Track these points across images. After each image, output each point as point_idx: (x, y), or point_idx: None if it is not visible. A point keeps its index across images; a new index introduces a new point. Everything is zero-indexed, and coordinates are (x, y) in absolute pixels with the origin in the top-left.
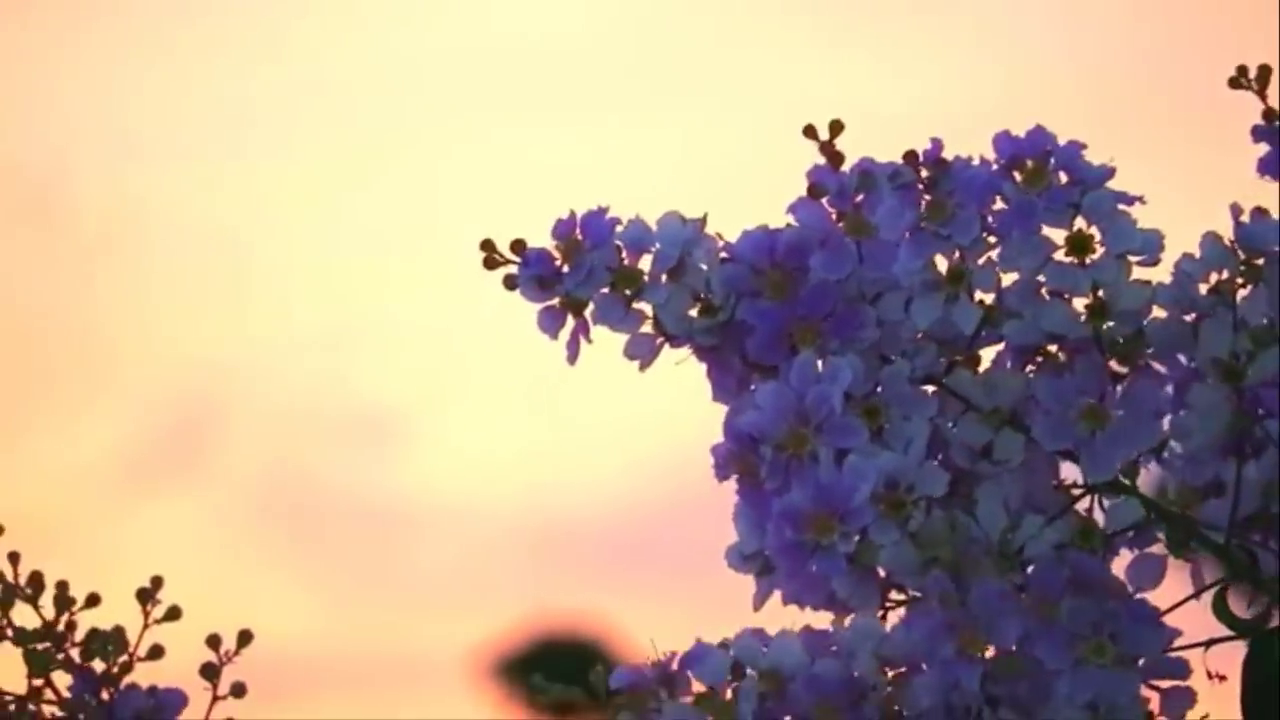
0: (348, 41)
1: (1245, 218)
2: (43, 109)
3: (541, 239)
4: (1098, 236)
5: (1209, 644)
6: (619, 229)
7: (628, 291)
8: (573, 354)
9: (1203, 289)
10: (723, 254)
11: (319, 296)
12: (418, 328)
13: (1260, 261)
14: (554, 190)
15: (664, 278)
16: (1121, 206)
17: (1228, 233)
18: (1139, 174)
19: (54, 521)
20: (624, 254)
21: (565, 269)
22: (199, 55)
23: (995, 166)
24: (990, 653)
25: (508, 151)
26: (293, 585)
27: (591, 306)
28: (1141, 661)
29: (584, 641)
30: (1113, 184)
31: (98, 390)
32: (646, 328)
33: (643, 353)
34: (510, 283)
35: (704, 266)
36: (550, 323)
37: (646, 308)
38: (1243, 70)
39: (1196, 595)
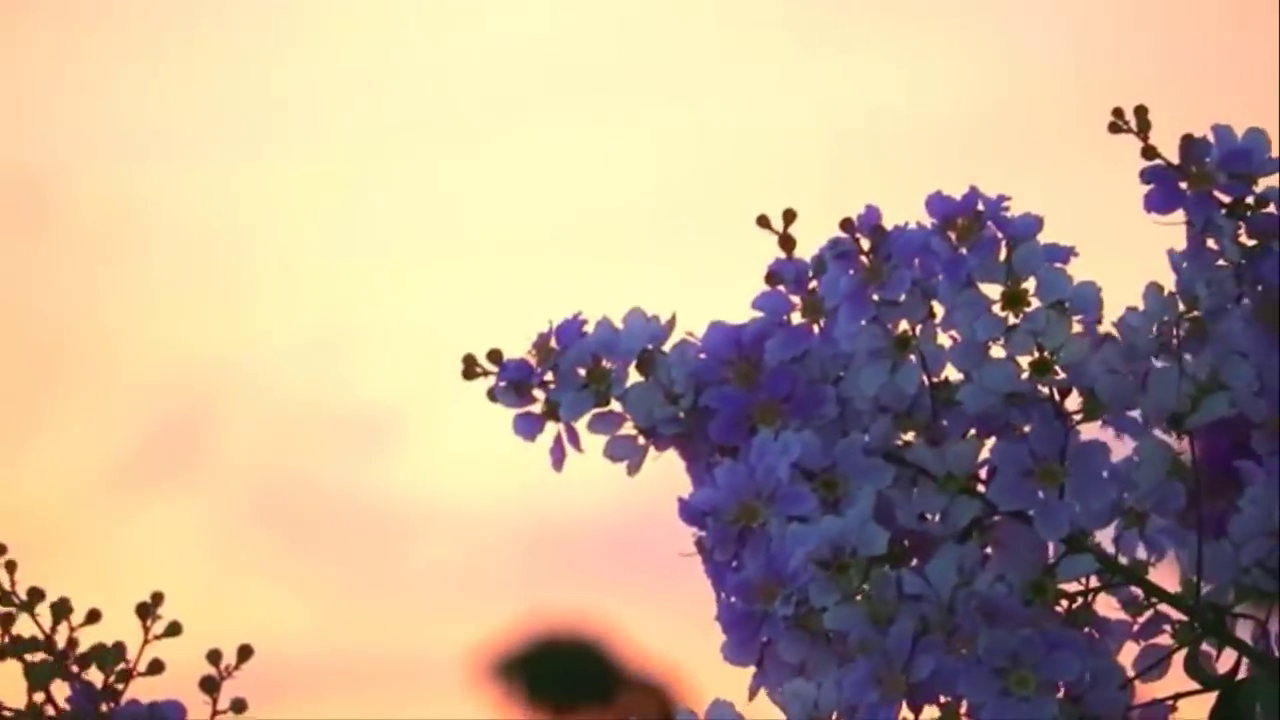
0: (345, 43)
1: (1185, 265)
2: (40, 109)
3: (544, 244)
4: (1032, 290)
5: (1177, 698)
6: (587, 332)
7: (599, 390)
8: (557, 460)
9: (1149, 340)
10: (693, 349)
11: (316, 298)
12: (416, 328)
13: (1199, 310)
14: (554, 191)
15: (631, 374)
16: (1053, 261)
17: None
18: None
19: (51, 522)
20: (598, 357)
21: (540, 373)
22: (196, 56)
23: (931, 227)
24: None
25: (507, 152)
26: (291, 586)
27: (562, 406)
28: (1086, 695)
29: (584, 641)
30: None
31: (94, 391)
32: (627, 429)
33: (623, 453)
34: (490, 394)
35: (672, 363)
36: (526, 427)
37: (622, 408)
38: (1119, 113)
39: (1170, 654)
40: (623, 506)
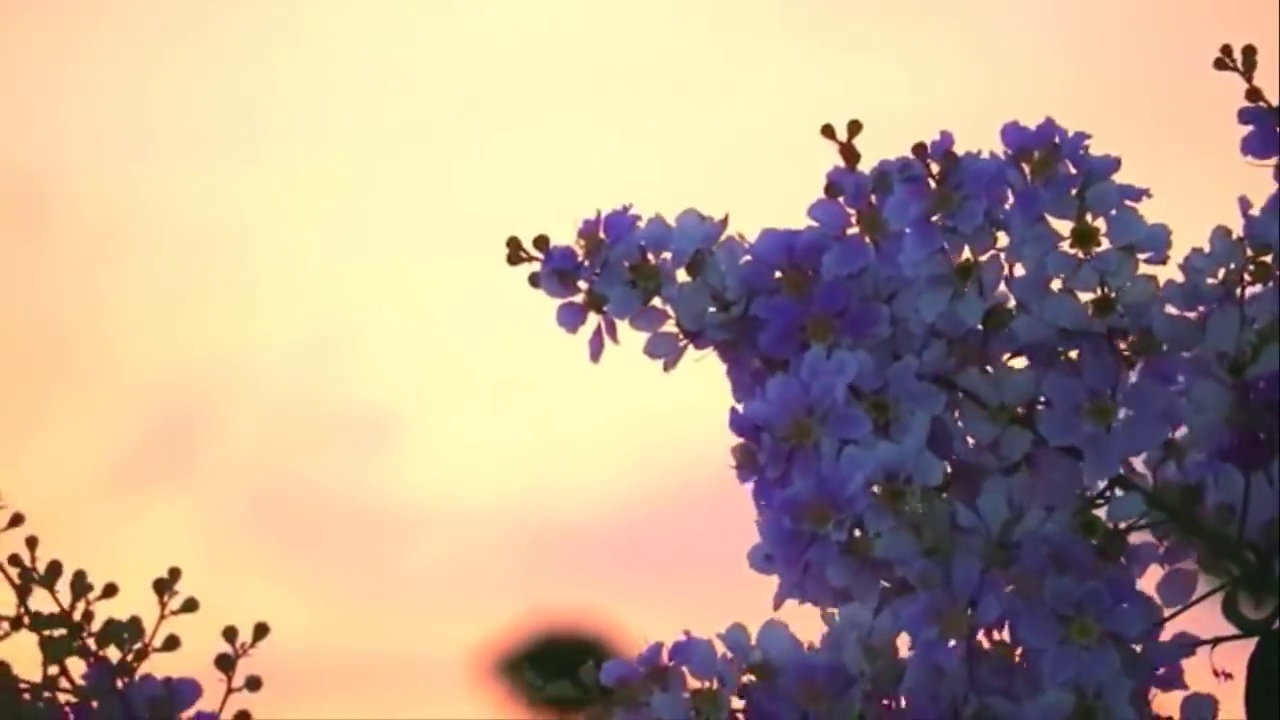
0: (343, 44)
1: (1254, 211)
2: (40, 109)
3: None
4: (1103, 229)
5: (1215, 642)
6: (639, 227)
7: (647, 287)
8: (595, 351)
9: (1211, 283)
10: (744, 254)
11: (316, 297)
12: (416, 328)
13: (1267, 258)
14: (554, 191)
15: (681, 274)
16: (1127, 200)
17: (1238, 228)
18: (1146, 170)
19: (49, 521)
20: (648, 252)
21: (586, 264)
22: (196, 56)
23: (1004, 158)
24: (980, 638)
25: (507, 152)
26: (291, 585)
27: (610, 302)
28: (1139, 649)
29: (585, 639)
30: (1121, 179)
31: (92, 390)
32: (669, 326)
33: (663, 351)
34: (534, 279)
35: (723, 266)
36: (570, 318)
37: (668, 307)
38: (1227, 50)
39: (1208, 595)
40: (623, 506)
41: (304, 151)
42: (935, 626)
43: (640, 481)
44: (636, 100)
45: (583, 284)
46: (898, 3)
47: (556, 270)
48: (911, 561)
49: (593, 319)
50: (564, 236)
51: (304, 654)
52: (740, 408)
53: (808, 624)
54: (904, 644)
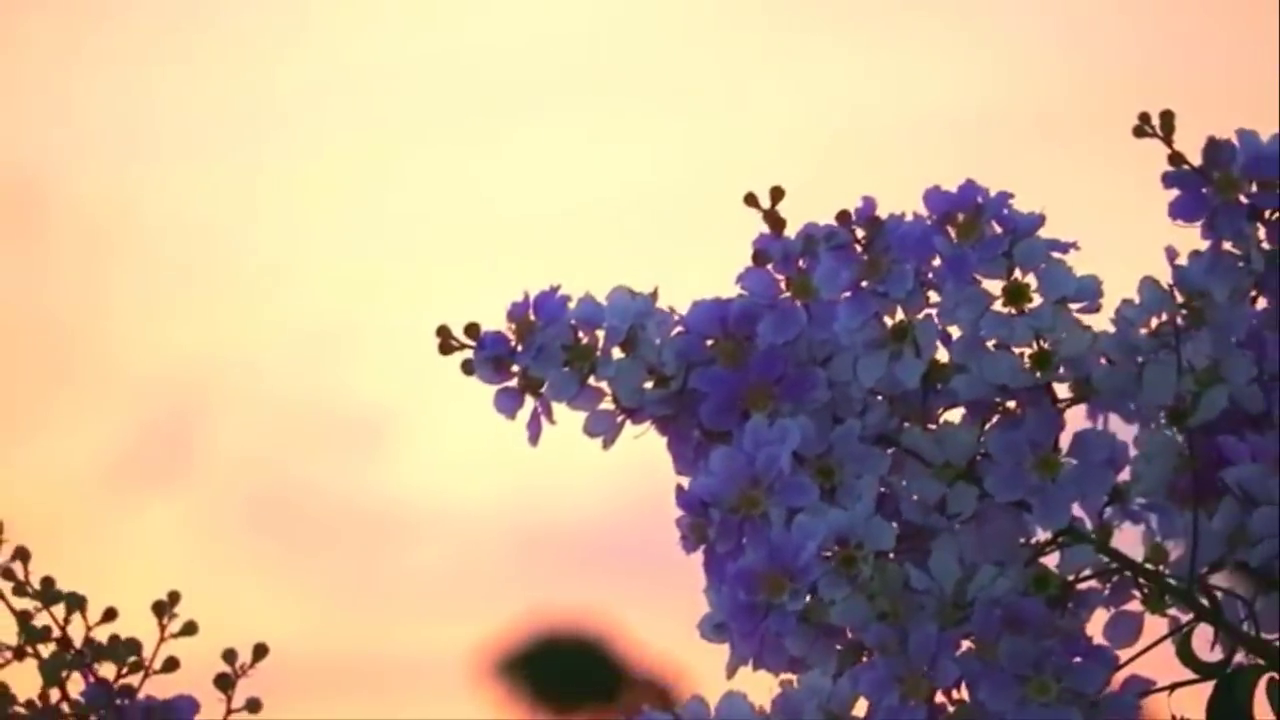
0: (342, 44)
1: (1181, 260)
2: (40, 109)
3: (543, 244)
4: (1035, 285)
5: (1173, 688)
6: (570, 306)
7: (582, 368)
8: (534, 435)
9: (1144, 333)
10: (676, 326)
11: (313, 298)
12: (416, 328)
13: (1199, 303)
14: (553, 191)
15: (616, 351)
16: (1055, 254)
17: (1165, 276)
18: (1139, 175)
19: (46, 521)
20: (579, 332)
21: (520, 349)
22: (195, 56)
23: (929, 221)
24: (940, 700)
25: (506, 152)
26: (291, 585)
27: (547, 385)
28: (1093, 704)
29: (586, 640)
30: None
31: (87, 391)
32: (606, 404)
33: (602, 429)
34: (467, 367)
35: (657, 340)
36: (507, 403)
37: (604, 385)
38: (1145, 118)
39: (1162, 640)
40: (623, 505)
41: (300, 152)
42: (895, 691)
43: (638, 481)
44: (636, 100)
45: (516, 368)
46: (899, 3)
47: (490, 357)
48: (867, 627)
49: (529, 401)
50: (567, 237)
51: (301, 655)
52: (686, 484)
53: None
54: (861, 707)
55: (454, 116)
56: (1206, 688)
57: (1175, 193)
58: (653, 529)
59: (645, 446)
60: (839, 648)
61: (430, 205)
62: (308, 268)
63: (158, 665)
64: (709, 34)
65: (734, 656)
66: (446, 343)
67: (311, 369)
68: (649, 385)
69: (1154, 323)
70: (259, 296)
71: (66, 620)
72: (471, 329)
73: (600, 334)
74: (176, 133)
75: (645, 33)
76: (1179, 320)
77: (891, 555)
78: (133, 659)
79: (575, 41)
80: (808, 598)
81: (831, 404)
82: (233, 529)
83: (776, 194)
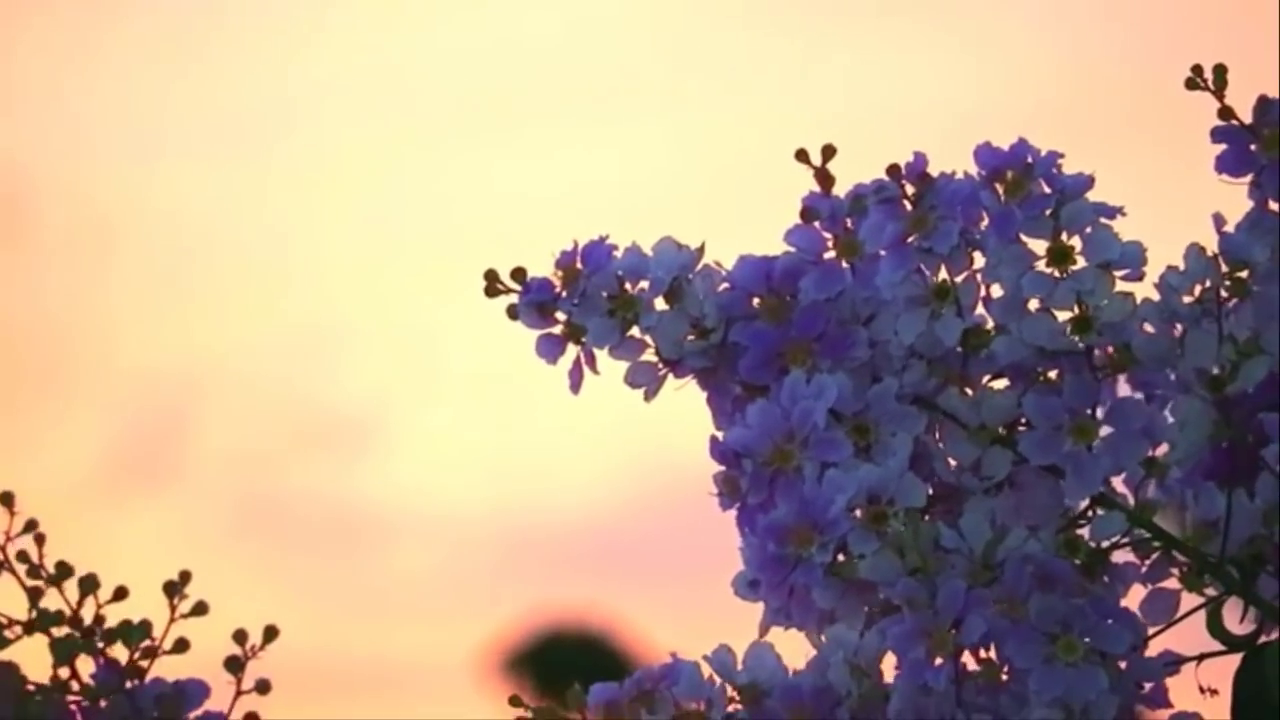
0: (337, 45)
1: (1228, 228)
2: (40, 109)
3: (539, 244)
4: (1079, 248)
5: (1200, 659)
6: (616, 256)
7: (625, 317)
8: (575, 383)
9: (1187, 301)
10: (721, 282)
11: (301, 300)
12: (414, 326)
13: (1243, 274)
14: (549, 192)
15: (658, 302)
16: (1102, 218)
17: (1211, 244)
18: (1136, 179)
19: (42, 520)
20: (625, 282)
21: (564, 296)
22: (192, 57)
23: (977, 178)
24: (966, 657)
25: (498, 153)
26: (281, 590)
27: (589, 333)
28: (1123, 665)
29: (591, 635)
30: (1100, 195)
31: (70, 395)
32: (648, 355)
33: (644, 380)
34: (512, 311)
35: (701, 294)
36: (549, 349)
37: (647, 336)
38: (1198, 70)
39: (1192, 612)
40: (623, 504)
41: (289, 155)
42: (921, 646)
43: (631, 480)
44: (636, 101)
45: (561, 315)
46: (898, 3)
47: (534, 302)
48: (896, 582)
49: (571, 350)
50: (559, 240)
51: (303, 654)
52: (721, 435)
53: (793, 647)
54: (889, 665)
55: (451, 117)
56: (1233, 660)
57: (1223, 147)
58: (648, 529)
59: (641, 446)
60: (868, 609)
61: (418, 208)
62: (296, 270)
63: (168, 646)
64: (708, 35)
65: (767, 613)
66: (493, 286)
67: (303, 371)
68: (691, 338)
69: (1197, 290)
70: (242, 299)
71: (80, 604)
72: (518, 273)
73: (645, 284)
74: (168, 134)
75: (645, 33)
76: (1222, 291)
77: (925, 515)
78: (145, 643)
79: (574, 42)
80: (840, 553)
81: (871, 363)
82: (224, 530)
83: (828, 151)
